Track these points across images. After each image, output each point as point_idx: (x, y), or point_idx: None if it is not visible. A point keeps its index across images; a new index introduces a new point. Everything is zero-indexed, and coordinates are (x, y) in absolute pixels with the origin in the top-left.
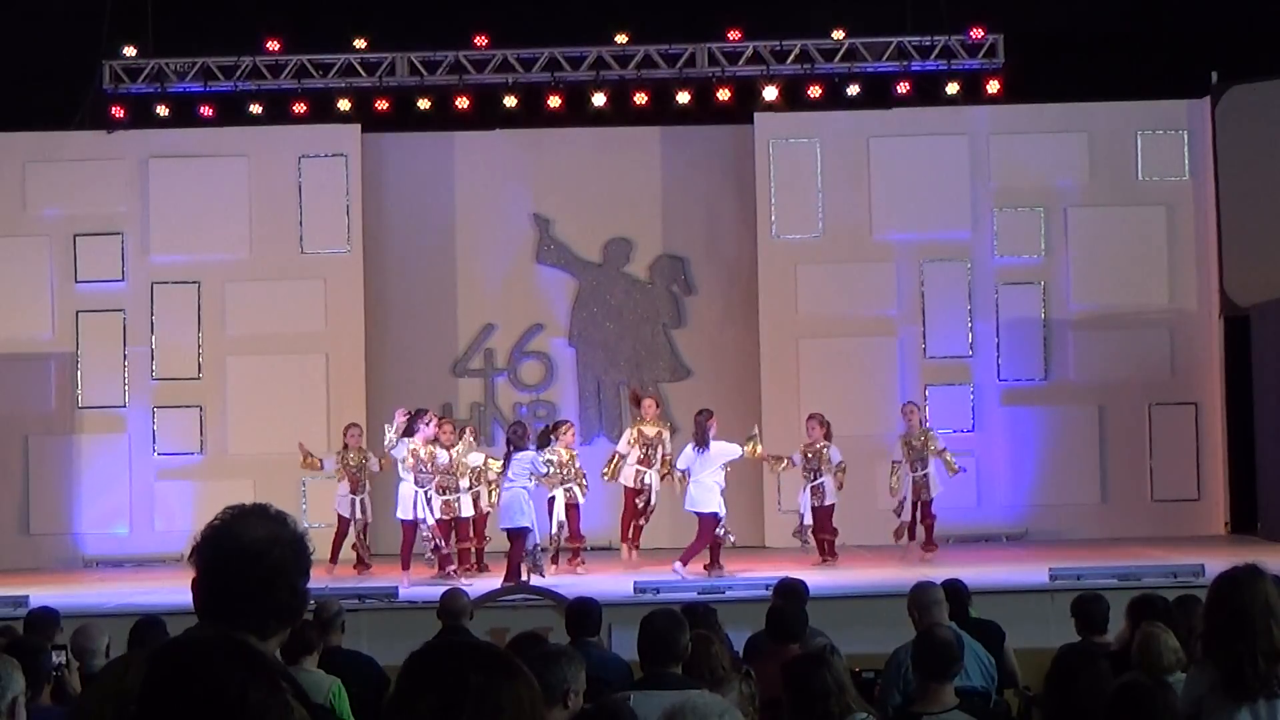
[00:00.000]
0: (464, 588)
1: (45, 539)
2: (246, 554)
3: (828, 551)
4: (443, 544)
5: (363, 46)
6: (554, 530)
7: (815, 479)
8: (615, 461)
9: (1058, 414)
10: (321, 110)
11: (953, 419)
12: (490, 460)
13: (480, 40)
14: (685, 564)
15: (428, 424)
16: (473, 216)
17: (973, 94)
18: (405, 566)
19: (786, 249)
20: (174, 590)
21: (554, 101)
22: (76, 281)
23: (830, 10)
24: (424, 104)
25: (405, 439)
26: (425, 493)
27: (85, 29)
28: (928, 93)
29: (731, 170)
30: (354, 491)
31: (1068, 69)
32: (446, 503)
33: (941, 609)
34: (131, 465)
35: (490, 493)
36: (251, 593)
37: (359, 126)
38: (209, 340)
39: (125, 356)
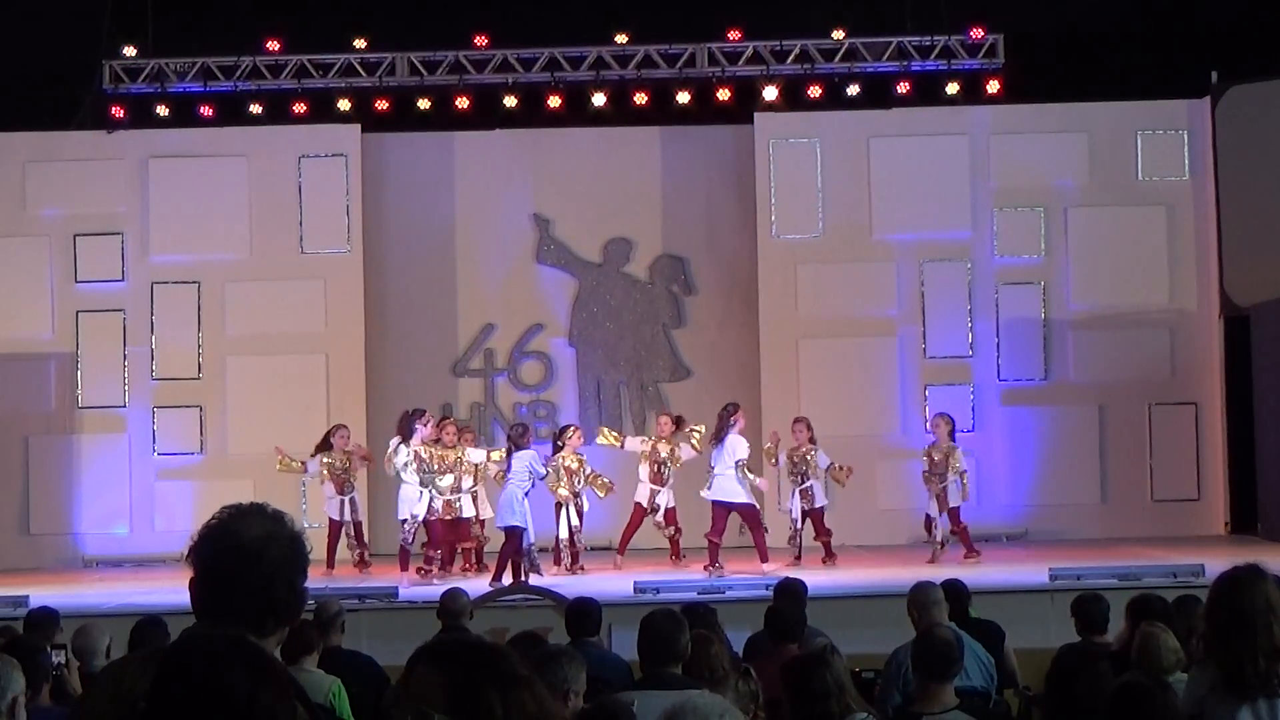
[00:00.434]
0: (463, 588)
1: (45, 539)
2: (244, 552)
3: (826, 553)
4: (410, 540)
5: (363, 46)
6: (565, 535)
7: (803, 483)
8: (620, 440)
9: (1058, 414)
10: (321, 110)
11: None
12: (492, 454)
13: (480, 40)
14: (767, 560)
15: (424, 424)
16: (473, 216)
17: (973, 94)
18: (404, 568)
19: (786, 249)
20: (174, 590)
21: (554, 101)
22: (76, 281)
23: (830, 10)
24: (424, 104)
25: (404, 445)
26: (429, 491)
27: (85, 29)
28: (928, 93)
29: (731, 170)
30: (340, 492)
31: (1068, 69)
32: (448, 502)
33: (941, 609)
34: (131, 465)
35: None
36: (249, 591)
37: (359, 126)
38: (209, 340)
39: (125, 356)
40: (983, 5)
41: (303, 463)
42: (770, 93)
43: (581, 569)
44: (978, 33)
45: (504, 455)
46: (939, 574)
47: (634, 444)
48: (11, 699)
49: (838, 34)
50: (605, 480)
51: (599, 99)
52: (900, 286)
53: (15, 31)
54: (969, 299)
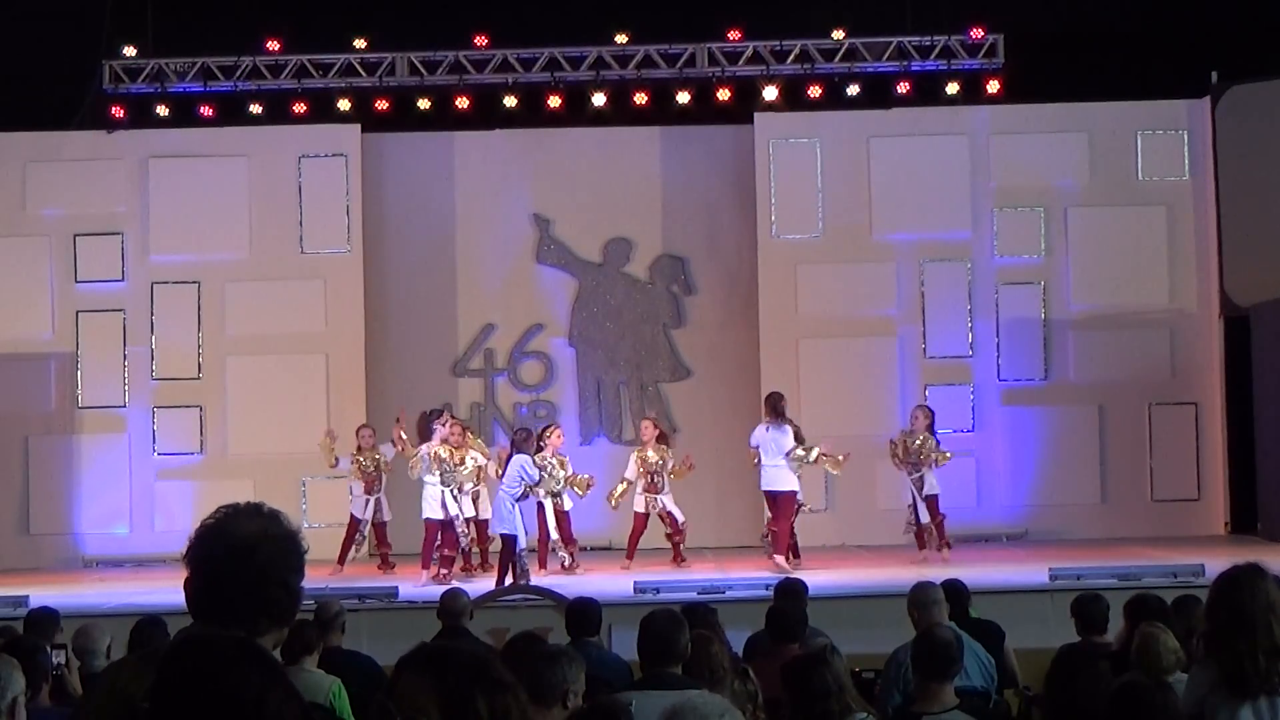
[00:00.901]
0: (463, 588)
1: (45, 539)
2: (236, 551)
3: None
4: (466, 544)
5: (363, 46)
6: (554, 536)
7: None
8: (624, 489)
9: (1058, 414)
10: (321, 110)
11: (953, 419)
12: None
13: (480, 40)
14: (781, 554)
15: (444, 424)
16: (473, 216)
17: (973, 94)
18: (426, 565)
19: (786, 249)
20: (174, 590)
21: (554, 101)
22: (76, 281)
23: (830, 10)
24: (424, 104)
25: (424, 444)
26: (451, 491)
27: (85, 29)
28: (928, 93)
29: (731, 170)
30: (369, 492)
31: (1068, 69)
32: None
33: (941, 609)
34: (131, 465)
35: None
36: (241, 590)
37: (359, 126)
38: (209, 340)
39: (125, 356)
40: (983, 5)
41: (337, 459)
42: (770, 93)
43: (577, 566)
44: (978, 33)
45: (504, 457)
46: (939, 574)
47: (631, 470)
48: (11, 699)
49: (838, 34)
50: (584, 477)
51: (599, 99)
52: (900, 286)
53: (15, 31)
54: (969, 299)
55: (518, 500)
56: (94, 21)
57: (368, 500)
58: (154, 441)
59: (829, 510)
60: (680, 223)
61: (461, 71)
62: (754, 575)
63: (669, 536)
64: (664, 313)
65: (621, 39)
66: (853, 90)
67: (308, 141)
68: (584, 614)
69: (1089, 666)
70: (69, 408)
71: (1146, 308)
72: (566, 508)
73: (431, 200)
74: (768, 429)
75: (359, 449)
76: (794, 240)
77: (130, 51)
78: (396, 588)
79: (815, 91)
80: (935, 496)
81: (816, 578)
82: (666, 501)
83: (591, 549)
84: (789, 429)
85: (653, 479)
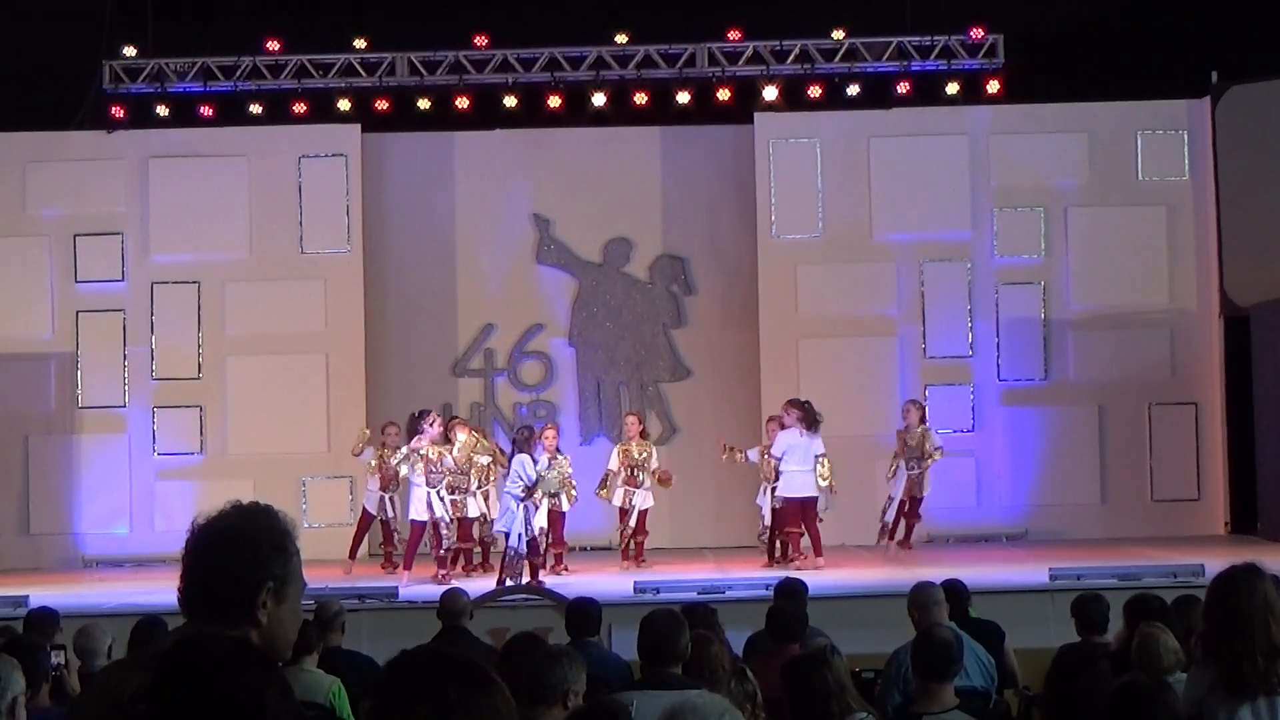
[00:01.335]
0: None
1: (45, 539)
2: (218, 549)
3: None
4: (451, 545)
5: (363, 46)
6: (545, 539)
7: (776, 480)
8: (609, 480)
9: (1057, 414)
10: (321, 110)
11: (953, 419)
12: (498, 455)
13: (480, 40)
14: (794, 560)
15: (431, 424)
16: (473, 216)
17: (973, 94)
18: (408, 566)
19: (786, 249)
20: (173, 590)
21: (554, 101)
22: (76, 281)
23: (830, 10)
24: (424, 104)
25: (411, 441)
26: (437, 492)
27: (85, 29)
28: (928, 93)
29: (731, 170)
30: (384, 489)
31: (1068, 69)
32: (454, 502)
33: (941, 609)
34: (131, 465)
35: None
36: (227, 586)
37: (359, 126)
38: (209, 340)
39: (125, 356)
40: (983, 5)
41: (363, 448)
42: (770, 93)
43: (565, 569)
44: (978, 33)
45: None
46: (939, 574)
47: (614, 462)
48: (11, 699)
49: (838, 34)
50: (574, 492)
51: (599, 99)
52: (900, 286)
53: (15, 31)
54: (969, 299)
55: (521, 500)
56: (94, 21)
57: (382, 497)
58: (154, 441)
59: (829, 510)
60: (680, 223)
61: (461, 71)
62: (754, 575)
63: (632, 535)
64: (664, 313)
65: (621, 39)
66: (853, 90)
67: (308, 141)
68: (584, 614)
69: (1089, 666)
70: (69, 408)
71: (1146, 307)
72: (564, 509)
73: (431, 200)
74: (801, 434)
75: (384, 445)
76: (794, 240)
77: (130, 51)
78: (396, 588)
79: (815, 91)
80: (921, 499)
81: (816, 578)
82: (641, 499)
83: (592, 549)
84: (819, 438)
85: (633, 472)
